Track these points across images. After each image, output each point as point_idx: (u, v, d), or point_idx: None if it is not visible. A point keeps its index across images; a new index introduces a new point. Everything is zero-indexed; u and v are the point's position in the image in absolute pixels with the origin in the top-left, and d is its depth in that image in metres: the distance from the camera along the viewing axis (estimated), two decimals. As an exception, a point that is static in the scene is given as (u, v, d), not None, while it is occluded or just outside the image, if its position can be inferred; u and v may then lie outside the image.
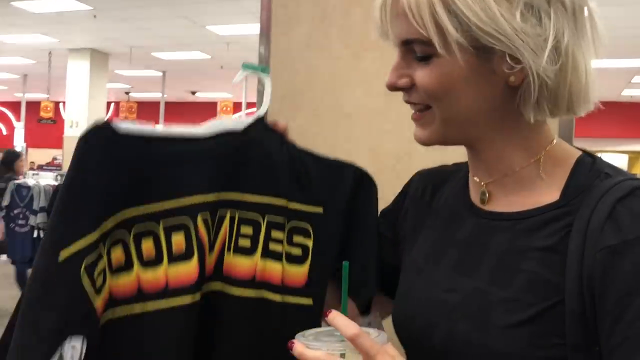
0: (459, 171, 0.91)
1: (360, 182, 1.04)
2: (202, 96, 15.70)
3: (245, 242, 0.99)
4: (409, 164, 1.25)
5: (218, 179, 0.98)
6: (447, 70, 0.73)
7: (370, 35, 1.25)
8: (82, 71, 10.94)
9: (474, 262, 0.78)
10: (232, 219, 0.98)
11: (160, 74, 12.79)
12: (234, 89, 13.73)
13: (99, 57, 11.06)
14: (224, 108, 13.01)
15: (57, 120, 12.85)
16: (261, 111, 1.02)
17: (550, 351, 0.68)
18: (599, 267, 0.65)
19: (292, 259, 1.00)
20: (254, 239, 0.99)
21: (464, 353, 0.74)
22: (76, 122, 10.96)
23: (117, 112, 14.65)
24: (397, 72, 0.78)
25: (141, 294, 0.93)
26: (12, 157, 6.71)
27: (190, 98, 16.05)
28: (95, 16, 8.44)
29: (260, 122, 1.01)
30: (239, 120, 1.00)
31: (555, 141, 0.79)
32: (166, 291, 0.94)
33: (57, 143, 12.19)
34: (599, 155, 0.82)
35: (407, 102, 0.80)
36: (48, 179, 6.36)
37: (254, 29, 1.44)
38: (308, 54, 1.39)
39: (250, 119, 1.01)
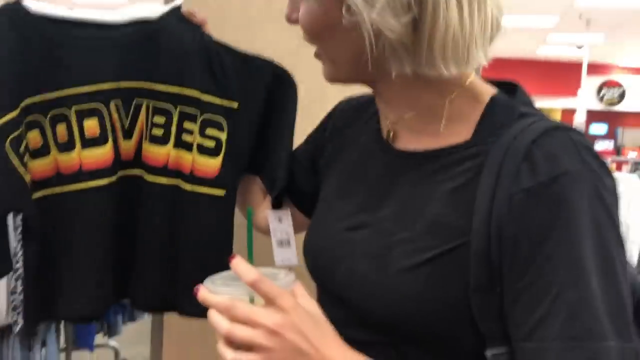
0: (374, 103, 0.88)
1: (278, 79, 1.04)
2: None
3: (158, 132, 1.00)
4: (323, 105, 1.22)
5: (129, 67, 0.98)
6: (310, 11, 0.71)
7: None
8: None
9: (380, 201, 0.77)
10: (147, 108, 0.99)
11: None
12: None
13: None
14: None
15: None
16: (178, 1, 0.99)
17: (448, 293, 0.68)
18: (514, 210, 0.65)
19: (205, 151, 1.01)
20: (167, 128, 1.00)
21: (362, 292, 0.73)
22: None
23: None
24: (291, 4, 0.76)
25: (60, 177, 0.97)
26: None
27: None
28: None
29: (176, 11, 1.00)
30: (154, 8, 0.99)
31: (470, 79, 0.76)
32: (80, 174, 0.97)
33: None
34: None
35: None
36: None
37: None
38: (219, -11, 1.32)
39: (165, 8, 1.00)
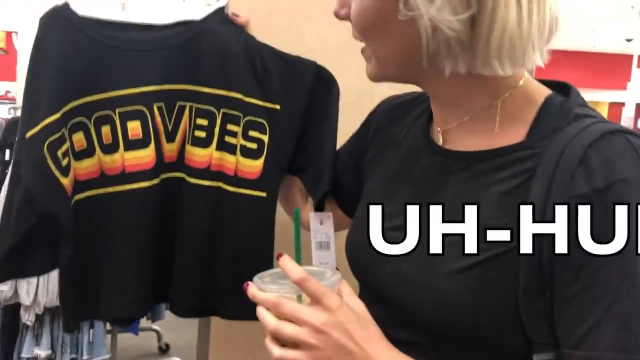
0: (424, 101, 0.87)
1: (320, 80, 1.04)
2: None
3: (201, 134, 1.01)
4: (370, 101, 1.22)
5: (172, 69, 0.98)
6: (364, 6, 0.70)
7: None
8: None
9: (427, 201, 0.76)
10: (190, 110, 1.00)
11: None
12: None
13: (54, -16, 10.53)
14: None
15: (9, 52, 12.33)
16: (222, 1, 1.00)
17: (496, 297, 0.67)
18: (568, 214, 0.63)
19: (247, 153, 1.02)
20: (209, 131, 1.00)
21: (408, 292, 0.73)
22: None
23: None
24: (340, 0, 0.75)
25: (103, 178, 0.98)
26: None
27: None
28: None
29: (220, 13, 1.00)
30: (199, 9, 1.00)
31: (523, 80, 0.75)
32: (123, 175, 0.98)
33: (10, 75, 11.72)
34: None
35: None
36: (1, 113, 6.14)
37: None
38: (269, -17, 1.33)
39: (210, 9, 1.00)
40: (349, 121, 1.11)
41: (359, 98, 1.23)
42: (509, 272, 0.67)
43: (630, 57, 10.48)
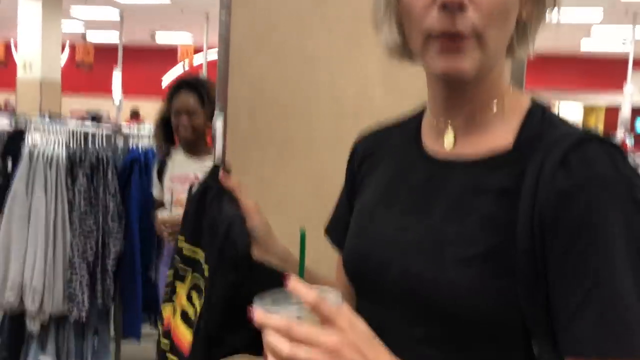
0: (403, 125, 0.93)
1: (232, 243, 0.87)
2: (162, 42, 15.24)
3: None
4: (370, 109, 1.26)
5: None
6: None
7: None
8: (33, 9, 10.47)
9: (428, 203, 0.81)
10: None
11: (118, 17, 12.32)
12: (194, 33, 13.36)
13: (52, -5, 10.59)
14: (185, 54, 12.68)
15: (8, 62, 12.39)
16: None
17: (499, 284, 0.72)
18: (552, 207, 0.69)
19: (186, 320, 0.89)
20: (170, 291, 0.94)
21: (417, 288, 0.77)
22: (29, 64, 10.56)
23: (73, 54, 14.16)
24: None
25: None
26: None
27: (150, 44, 15.58)
28: (47, -48, 8.03)
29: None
30: None
31: (510, 86, 0.82)
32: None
33: (9, 85, 11.77)
34: (556, 102, 0.84)
35: (447, 32, 0.73)
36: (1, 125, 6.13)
37: (216, -31, 1.41)
38: (271, -5, 1.37)
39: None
40: (348, 129, 1.14)
41: (358, 106, 1.27)
42: (508, 261, 0.72)
43: (626, 59, 10.55)
